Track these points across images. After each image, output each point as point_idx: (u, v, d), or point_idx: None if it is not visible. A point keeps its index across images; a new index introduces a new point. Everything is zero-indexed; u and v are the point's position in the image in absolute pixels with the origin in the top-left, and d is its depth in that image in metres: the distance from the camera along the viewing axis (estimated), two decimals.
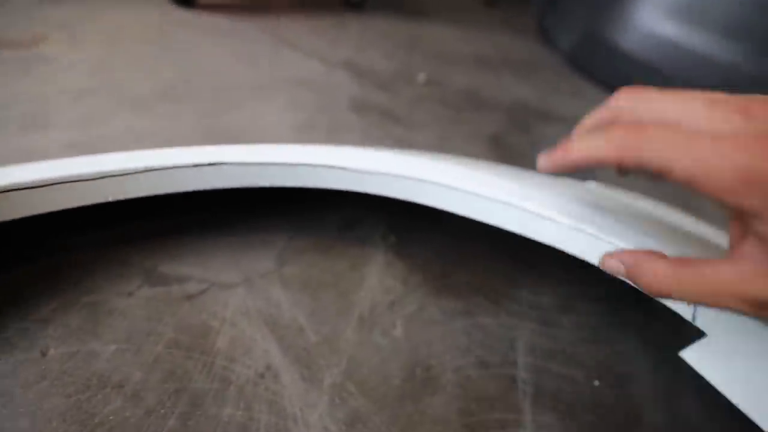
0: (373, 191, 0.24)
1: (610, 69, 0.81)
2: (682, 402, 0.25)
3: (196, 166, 0.22)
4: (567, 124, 0.64)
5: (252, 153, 0.23)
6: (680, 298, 0.15)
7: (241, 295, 0.25)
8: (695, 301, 0.16)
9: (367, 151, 0.26)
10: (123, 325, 0.22)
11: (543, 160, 0.18)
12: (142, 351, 0.21)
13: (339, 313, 0.26)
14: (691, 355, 0.20)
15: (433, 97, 0.61)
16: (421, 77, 0.66)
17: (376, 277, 0.29)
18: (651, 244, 0.21)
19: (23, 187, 0.20)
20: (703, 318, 0.20)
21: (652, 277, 0.15)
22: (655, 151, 0.12)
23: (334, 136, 0.45)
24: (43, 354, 0.20)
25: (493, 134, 0.54)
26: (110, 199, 0.22)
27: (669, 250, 0.22)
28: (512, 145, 0.53)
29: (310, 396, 0.21)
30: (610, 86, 0.81)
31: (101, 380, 0.20)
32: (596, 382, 0.26)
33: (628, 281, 0.18)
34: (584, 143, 0.15)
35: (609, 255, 0.18)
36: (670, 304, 0.21)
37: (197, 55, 0.56)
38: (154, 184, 0.22)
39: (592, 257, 0.22)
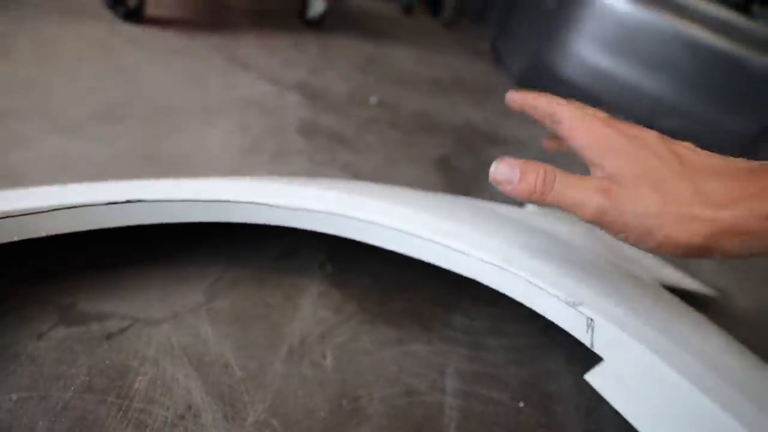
0: (296, 226, 0.25)
1: (554, 93, 0.87)
2: (602, 419, 0.27)
3: (110, 203, 0.22)
4: (513, 146, 0.68)
5: (172, 189, 0.23)
6: (553, 198, 0.20)
7: (165, 332, 0.25)
8: (563, 201, 0.20)
9: (290, 186, 0.26)
10: (29, 371, 0.21)
11: (511, 94, 0.26)
12: (49, 398, 0.20)
13: (268, 346, 0.26)
14: (593, 378, 0.22)
15: (385, 119, 0.62)
16: (374, 100, 0.67)
17: (310, 307, 0.29)
18: (569, 283, 0.23)
19: None
20: (599, 344, 0.22)
21: (541, 178, 0.20)
22: (562, 111, 0.22)
23: (279, 160, 0.45)
24: None
25: (441, 157, 0.56)
26: (15, 238, 0.21)
27: (588, 279, 0.24)
28: (458, 168, 0.55)
29: None
30: None
31: None
32: (521, 403, 0.27)
33: (513, 190, 0.20)
34: (542, 96, 0.24)
35: (498, 163, 0.21)
36: (572, 331, 0.22)
37: (141, 75, 0.54)
38: (66, 223, 0.22)
39: (503, 286, 0.23)
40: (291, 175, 0.44)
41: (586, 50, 0.79)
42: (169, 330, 0.25)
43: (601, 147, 0.20)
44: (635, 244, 0.19)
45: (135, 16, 0.66)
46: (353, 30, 1.03)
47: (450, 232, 0.24)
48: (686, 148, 0.20)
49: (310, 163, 0.46)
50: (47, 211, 0.21)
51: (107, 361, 0.23)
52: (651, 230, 0.18)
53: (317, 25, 0.93)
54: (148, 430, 0.20)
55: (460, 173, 0.54)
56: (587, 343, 0.22)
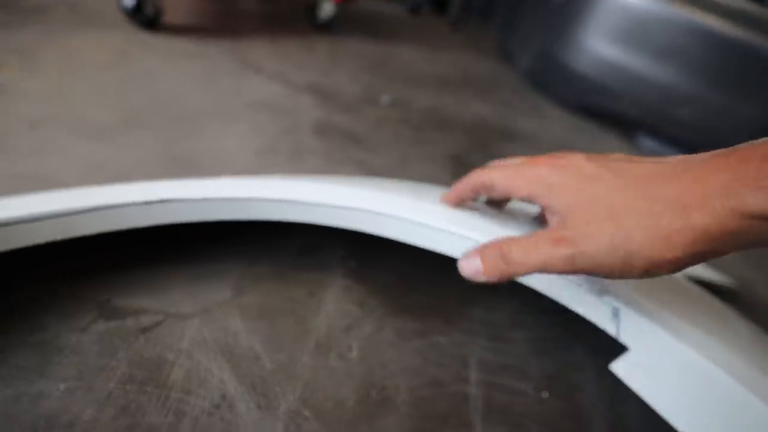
0: (320, 222, 0.25)
1: (564, 87, 0.86)
2: (627, 409, 0.27)
3: (146, 203, 0.22)
4: (525, 140, 0.68)
5: (202, 189, 0.24)
6: (521, 269, 0.19)
7: (197, 326, 0.26)
8: (532, 267, 0.19)
9: (314, 183, 0.27)
10: (74, 363, 0.22)
11: (442, 199, 0.27)
12: (94, 388, 0.21)
13: (296, 339, 0.26)
14: (618, 367, 0.22)
15: (396, 118, 0.63)
16: (385, 99, 0.68)
17: (334, 301, 0.29)
18: None
19: None
20: (625, 333, 0.22)
21: (498, 255, 0.20)
22: (489, 175, 0.22)
23: (295, 160, 0.46)
24: None
25: (454, 153, 0.57)
26: (59, 238, 0.22)
27: None
28: (472, 163, 0.56)
29: (265, 423, 0.22)
30: (565, 103, 0.86)
31: (49, 421, 0.20)
32: (545, 394, 0.27)
33: (486, 278, 0.20)
34: (461, 182, 0.25)
35: (461, 259, 0.21)
36: (596, 321, 0.23)
37: (160, 81, 0.56)
38: (103, 223, 0.23)
39: (531, 282, 0.24)
40: (309, 173, 0.45)
41: (595, 43, 0.78)
42: (201, 324, 0.26)
43: (541, 188, 0.19)
44: (622, 277, 0.18)
45: (153, 24, 0.68)
46: (361, 31, 1.04)
47: (471, 225, 0.24)
48: (620, 160, 0.19)
49: (325, 162, 0.47)
50: (86, 212, 0.22)
51: (145, 354, 0.24)
52: (628, 260, 0.17)
53: (327, 28, 0.94)
54: (186, 418, 0.21)
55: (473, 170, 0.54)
56: (612, 333, 0.22)
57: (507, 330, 0.31)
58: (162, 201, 0.23)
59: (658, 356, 0.21)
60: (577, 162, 0.19)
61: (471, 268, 0.20)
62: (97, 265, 0.28)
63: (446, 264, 0.33)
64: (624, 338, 0.22)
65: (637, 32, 0.72)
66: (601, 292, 0.22)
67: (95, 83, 0.51)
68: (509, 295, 0.33)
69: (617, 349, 0.23)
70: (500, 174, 0.21)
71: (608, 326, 0.22)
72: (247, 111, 0.54)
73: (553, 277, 0.23)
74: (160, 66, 0.59)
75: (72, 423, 0.20)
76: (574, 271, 0.18)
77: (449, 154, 0.56)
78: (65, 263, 0.27)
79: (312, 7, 0.94)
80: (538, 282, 0.23)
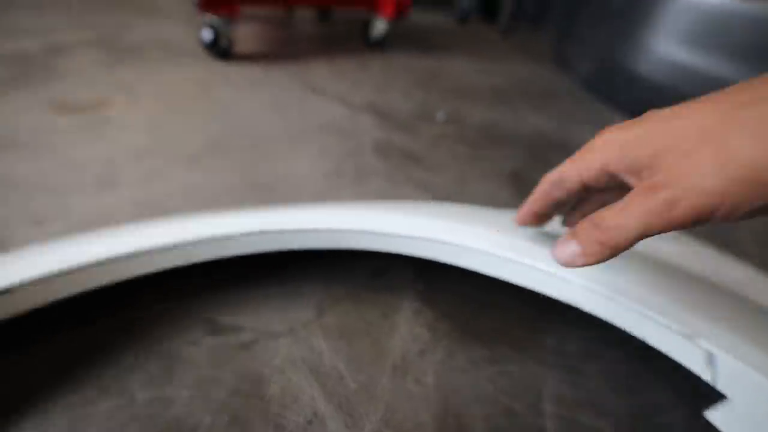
0: (401, 252, 0.27)
1: (628, 93, 0.82)
2: None
3: (250, 234, 0.26)
4: None
5: (296, 220, 0.27)
6: (625, 236, 0.17)
7: (287, 344, 0.28)
8: (636, 231, 0.16)
9: (396, 214, 0.28)
10: (192, 372, 0.26)
11: (518, 218, 0.26)
12: (210, 397, 0.25)
13: (373, 360, 0.28)
14: (715, 416, 0.21)
15: (452, 135, 0.64)
16: (440, 115, 0.69)
17: (406, 324, 0.31)
18: (664, 301, 0.23)
19: (102, 263, 0.24)
20: (723, 381, 0.21)
21: (595, 231, 0.17)
22: (560, 170, 0.21)
23: (360, 182, 0.49)
24: (132, 399, 0.24)
25: (513, 170, 0.56)
26: (181, 264, 0.26)
27: (701, 305, 0.23)
28: (532, 181, 0.55)
29: None
30: (628, 110, 0.82)
31: (179, 424, 0.23)
32: None
33: (586, 260, 0.18)
34: (532, 194, 0.24)
35: (553, 249, 0.19)
36: (689, 365, 0.22)
37: (236, 108, 0.61)
38: (215, 251, 0.26)
39: (606, 315, 0.23)
40: (373, 195, 0.47)
41: (664, 45, 0.73)
42: (289, 343, 0.29)
43: (613, 151, 0.17)
44: (746, 208, 0.14)
45: (226, 54, 0.74)
46: (413, 45, 1.06)
47: (539, 255, 0.25)
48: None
49: (388, 183, 0.49)
50: (203, 243, 0.26)
51: (247, 368, 0.27)
52: (749, 177, 0.14)
53: (380, 46, 0.97)
54: None
55: (533, 187, 0.54)
56: (707, 379, 0.21)
57: (581, 361, 0.30)
58: (262, 232, 0.26)
59: (762, 407, 0.20)
60: (646, 115, 0.17)
61: (566, 254, 0.18)
62: (199, 284, 0.32)
63: (513, 288, 0.33)
64: (722, 386, 0.21)
65: (713, 32, 0.67)
66: (693, 334, 0.21)
67: (184, 112, 0.58)
68: (582, 325, 0.33)
69: (707, 390, 0.22)
70: (566, 163, 0.20)
71: (703, 372, 0.21)
72: (312, 134, 0.57)
73: (640, 316, 0.22)
74: (235, 95, 0.65)
75: (195, 428, 0.23)
76: (679, 221, 0.15)
77: (508, 171, 0.56)
78: (173, 283, 0.31)
79: (365, 26, 0.97)
80: (622, 320, 0.23)
